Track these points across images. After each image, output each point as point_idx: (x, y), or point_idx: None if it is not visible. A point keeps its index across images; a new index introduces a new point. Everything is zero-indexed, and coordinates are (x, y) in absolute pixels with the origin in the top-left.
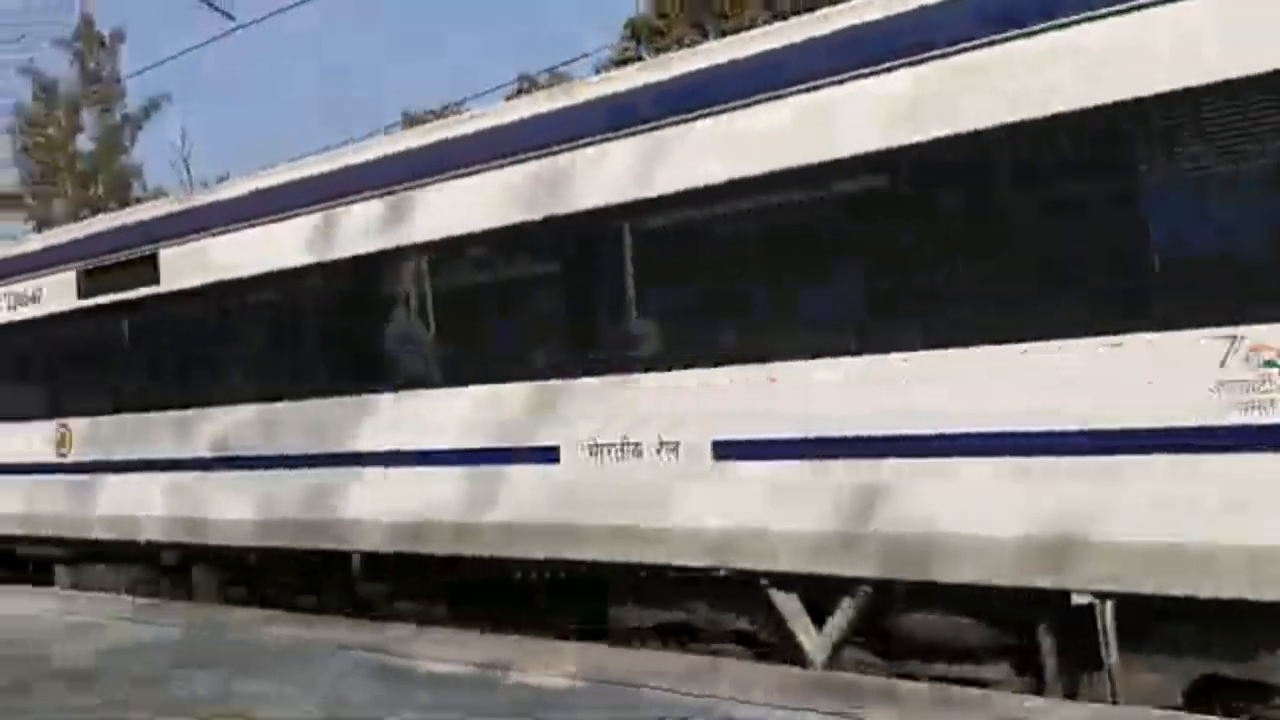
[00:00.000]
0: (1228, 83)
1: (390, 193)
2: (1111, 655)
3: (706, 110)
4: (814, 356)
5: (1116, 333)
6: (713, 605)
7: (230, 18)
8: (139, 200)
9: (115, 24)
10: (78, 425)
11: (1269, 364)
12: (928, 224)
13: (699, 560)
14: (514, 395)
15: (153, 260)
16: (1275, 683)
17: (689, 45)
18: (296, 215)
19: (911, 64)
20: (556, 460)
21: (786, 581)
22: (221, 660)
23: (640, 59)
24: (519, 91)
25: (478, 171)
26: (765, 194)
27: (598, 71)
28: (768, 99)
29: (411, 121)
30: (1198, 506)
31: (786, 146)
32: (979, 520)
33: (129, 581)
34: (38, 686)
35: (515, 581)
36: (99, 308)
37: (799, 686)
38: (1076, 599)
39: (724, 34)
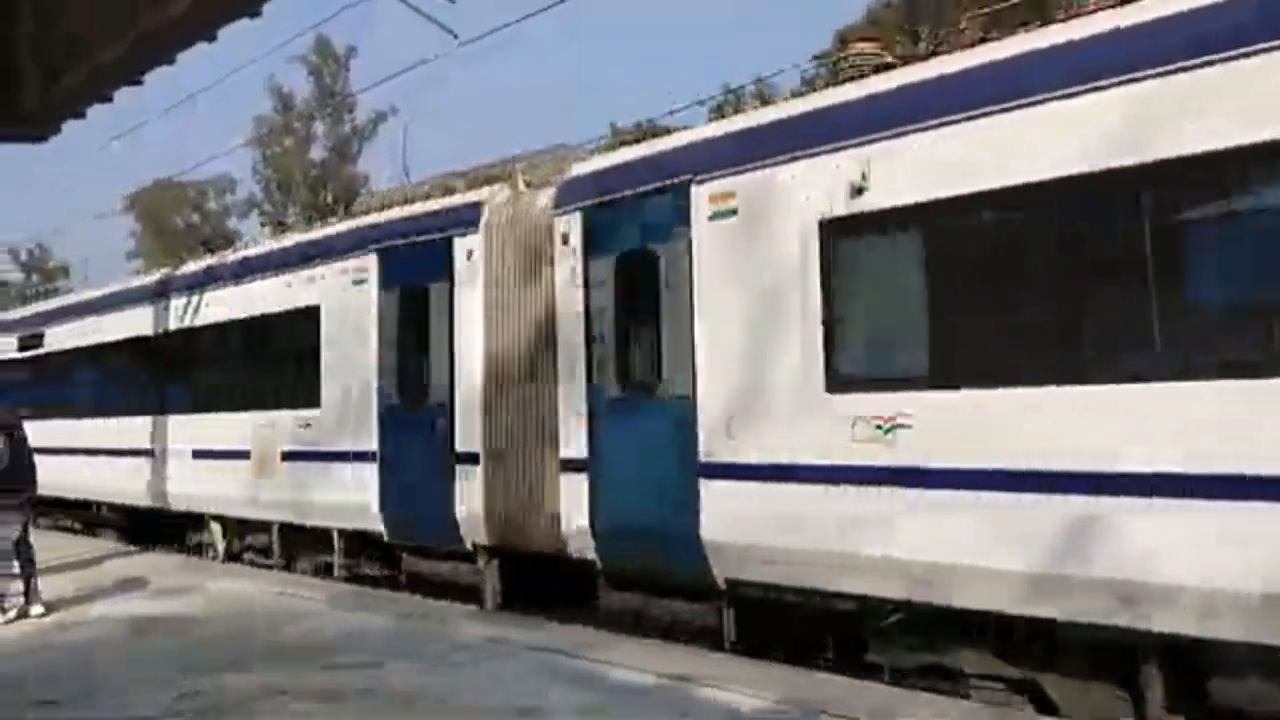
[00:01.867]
0: None
1: None
2: None
3: None
4: None
5: None
6: None
7: (454, 35)
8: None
9: (348, 41)
10: None
11: None
12: None
13: None
14: None
15: None
16: None
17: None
18: None
19: None
20: None
21: None
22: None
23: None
24: (721, 105)
25: None
26: None
27: (804, 84)
28: None
29: (617, 135)
30: None
31: None
32: None
33: None
34: (256, 664)
35: None
36: None
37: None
38: None
39: (937, 44)
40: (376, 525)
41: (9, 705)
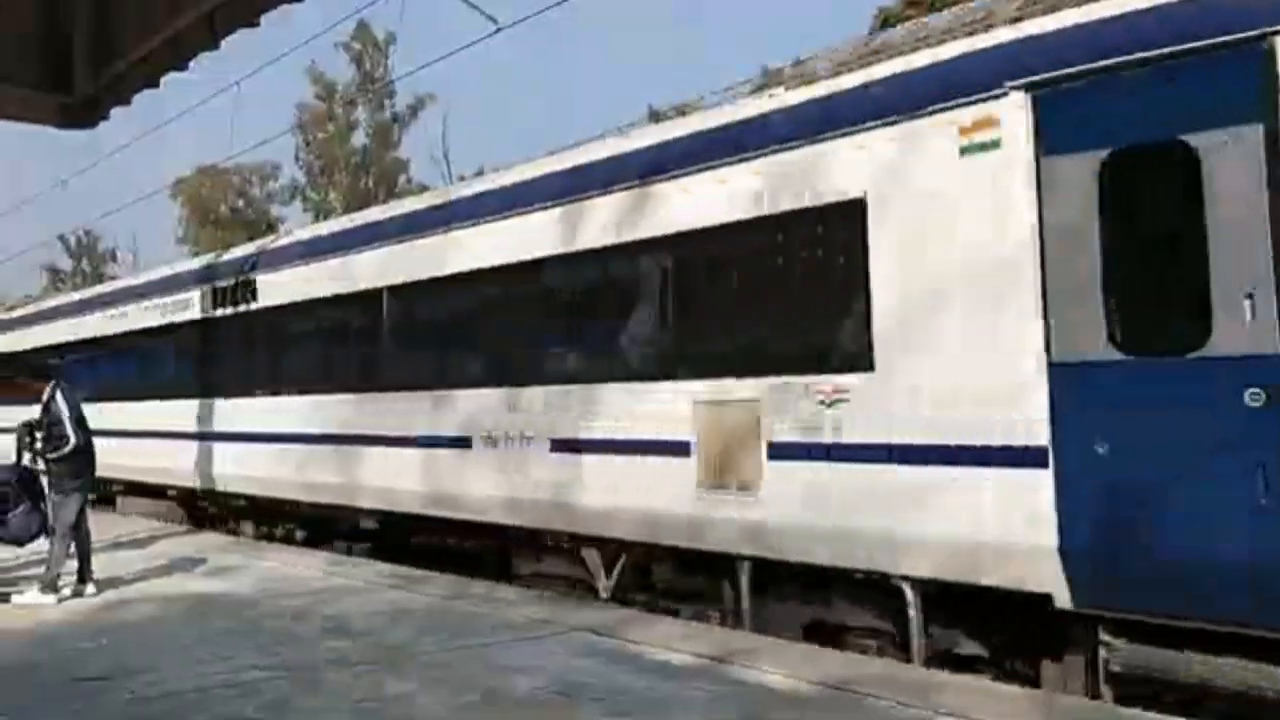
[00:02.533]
0: None
1: None
2: None
3: None
4: None
5: None
6: None
7: (493, 20)
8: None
9: (388, 27)
10: None
11: None
12: None
13: None
14: None
15: None
16: None
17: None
18: None
19: None
20: None
21: None
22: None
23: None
24: (763, 85)
25: None
26: None
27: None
28: None
29: (656, 117)
30: None
31: None
32: None
33: None
34: (311, 638)
35: None
36: None
37: (1028, 709)
38: None
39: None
40: (1044, 576)
41: (65, 683)
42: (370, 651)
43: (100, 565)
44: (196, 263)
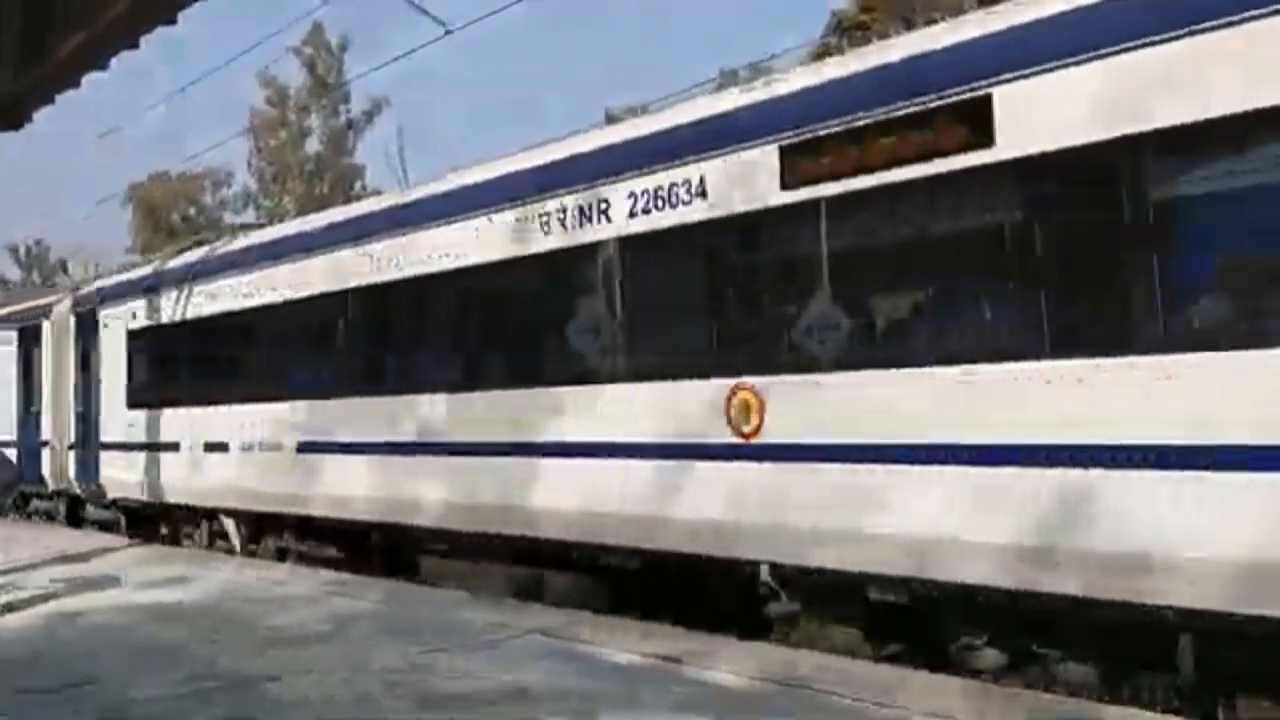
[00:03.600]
0: None
1: None
2: None
3: None
4: None
5: None
6: None
7: (443, 24)
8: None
9: (342, 30)
10: None
11: None
12: None
13: None
14: None
15: None
16: None
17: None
18: None
19: None
20: None
21: None
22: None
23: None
24: (720, 88)
25: None
26: None
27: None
28: None
29: (610, 120)
30: None
31: None
32: None
33: None
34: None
35: None
36: None
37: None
38: None
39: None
40: None
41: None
42: (322, 661)
43: (33, 581)
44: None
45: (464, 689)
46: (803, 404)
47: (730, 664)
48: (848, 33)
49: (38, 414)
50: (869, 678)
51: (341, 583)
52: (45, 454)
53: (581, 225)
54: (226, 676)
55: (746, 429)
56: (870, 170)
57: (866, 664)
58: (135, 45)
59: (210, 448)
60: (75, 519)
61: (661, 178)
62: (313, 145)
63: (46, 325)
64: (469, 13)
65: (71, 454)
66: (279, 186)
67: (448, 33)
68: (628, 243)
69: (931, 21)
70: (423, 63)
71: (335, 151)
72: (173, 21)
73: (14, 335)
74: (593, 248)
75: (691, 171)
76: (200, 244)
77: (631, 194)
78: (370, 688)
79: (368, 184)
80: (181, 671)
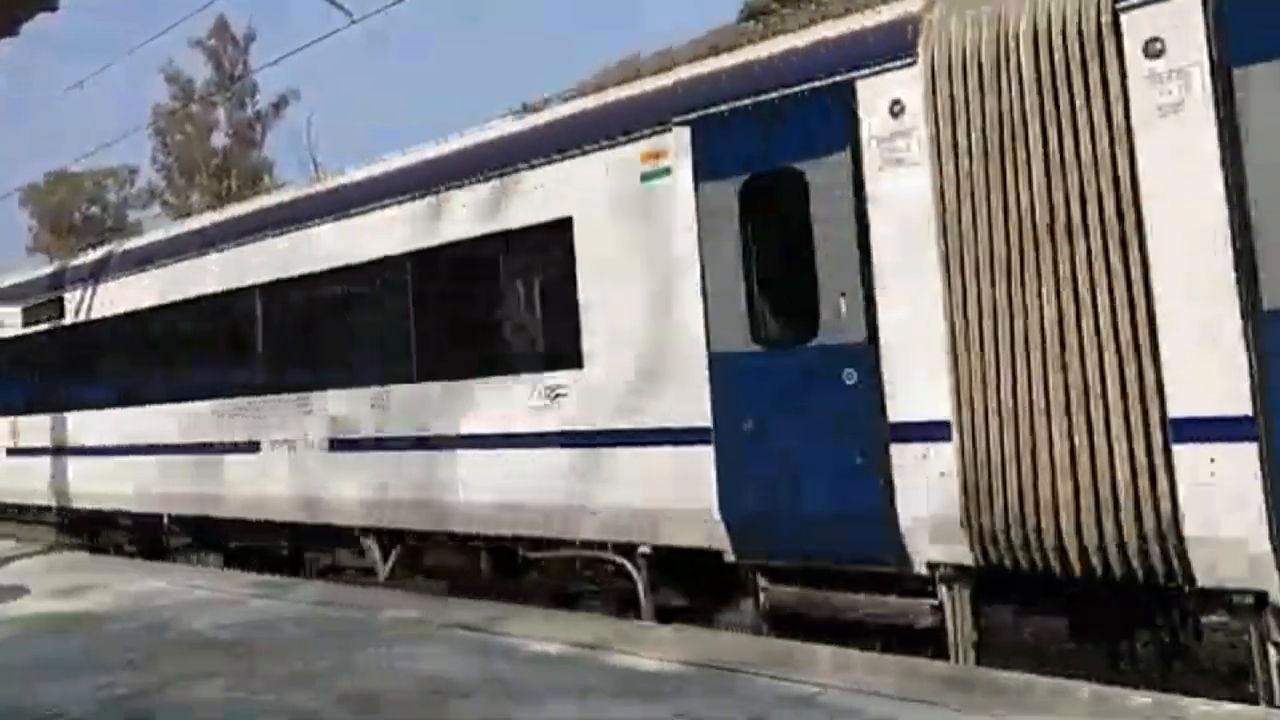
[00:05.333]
0: None
1: None
2: None
3: None
4: None
5: None
6: None
7: (348, 13)
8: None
9: (247, 24)
10: None
11: None
12: None
13: None
14: None
15: None
16: None
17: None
18: None
19: None
20: None
21: None
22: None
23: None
24: (621, 80)
25: None
26: None
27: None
28: None
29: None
30: None
31: None
32: None
33: None
34: (191, 654)
35: None
36: None
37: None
38: None
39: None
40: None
41: None
42: (241, 662)
43: None
44: None
45: (382, 686)
46: None
47: (653, 649)
48: (758, 18)
49: None
50: (784, 655)
51: (264, 584)
52: None
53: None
54: (136, 682)
55: None
56: None
57: (784, 642)
58: (15, 33)
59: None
60: None
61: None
62: (220, 139)
63: None
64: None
65: None
66: (186, 182)
67: (353, 22)
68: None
69: (849, 11)
70: (337, 53)
71: (243, 145)
72: (52, 7)
73: None
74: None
75: None
76: (102, 242)
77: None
78: (289, 688)
79: (278, 177)
80: (87, 681)
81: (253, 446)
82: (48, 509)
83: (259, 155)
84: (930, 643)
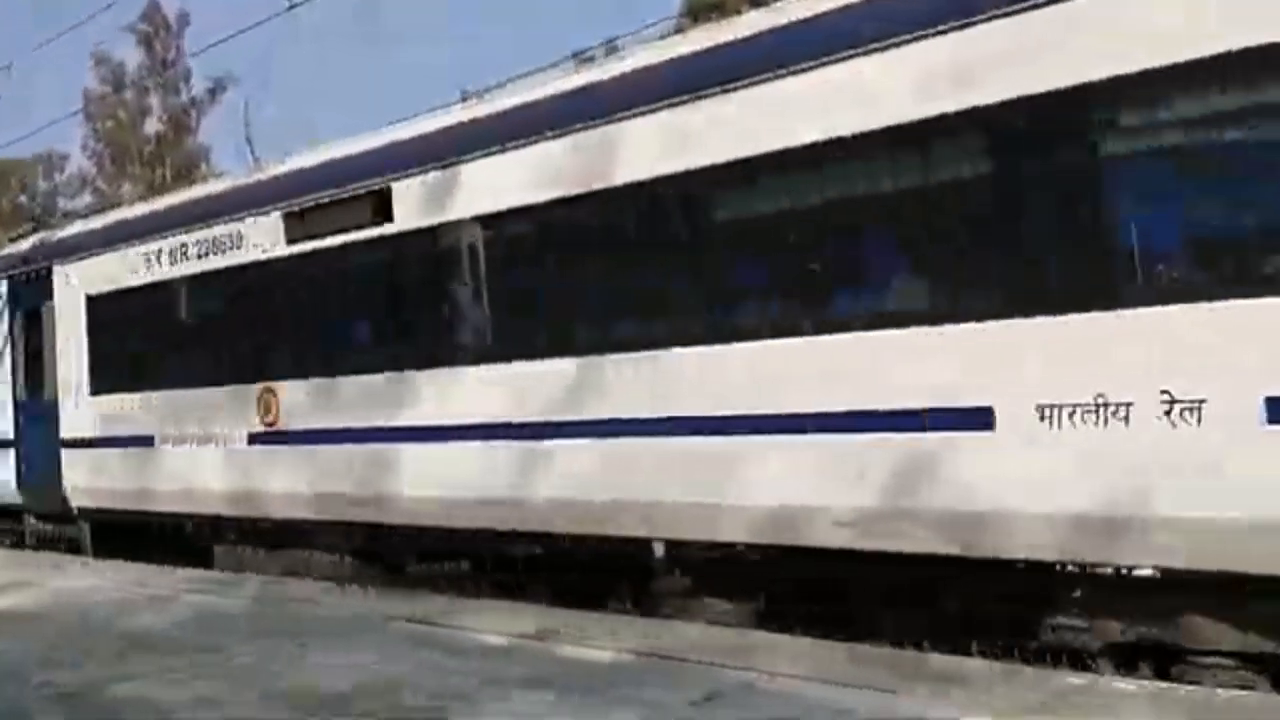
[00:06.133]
0: None
1: None
2: None
3: None
4: None
5: None
6: None
7: None
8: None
9: (180, 8)
10: None
11: None
12: None
13: None
14: None
15: None
16: None
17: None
18: None
19: None
20: None
21: None
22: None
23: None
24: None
25: None
26: None
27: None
28: None
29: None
30: None
31: None
32: None
33: None
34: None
35: None
36: None
37: (838, 660)
38: None
39: None
40: None
41: None
42: (181, 660)
43: None
44: None
45: (325, 682)
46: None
47: (601, 639)
48: (702, 12)
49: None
50: (730, 644)
51: (205, 581)
52: None
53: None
54: (74, 682)
55: None
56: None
57: (730, 631)
58: None
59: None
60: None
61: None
62: (153, 126)
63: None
64: None
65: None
66: (117, 170)
67: (291, 7)
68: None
69: None
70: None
71: (177, 132)
72: None
73: None
74: None
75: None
76: (37, 229)
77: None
78: (231, 686)
79: (214, 165)
80: (20, 681)
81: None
82: (336, 529)
83: (194, 142)
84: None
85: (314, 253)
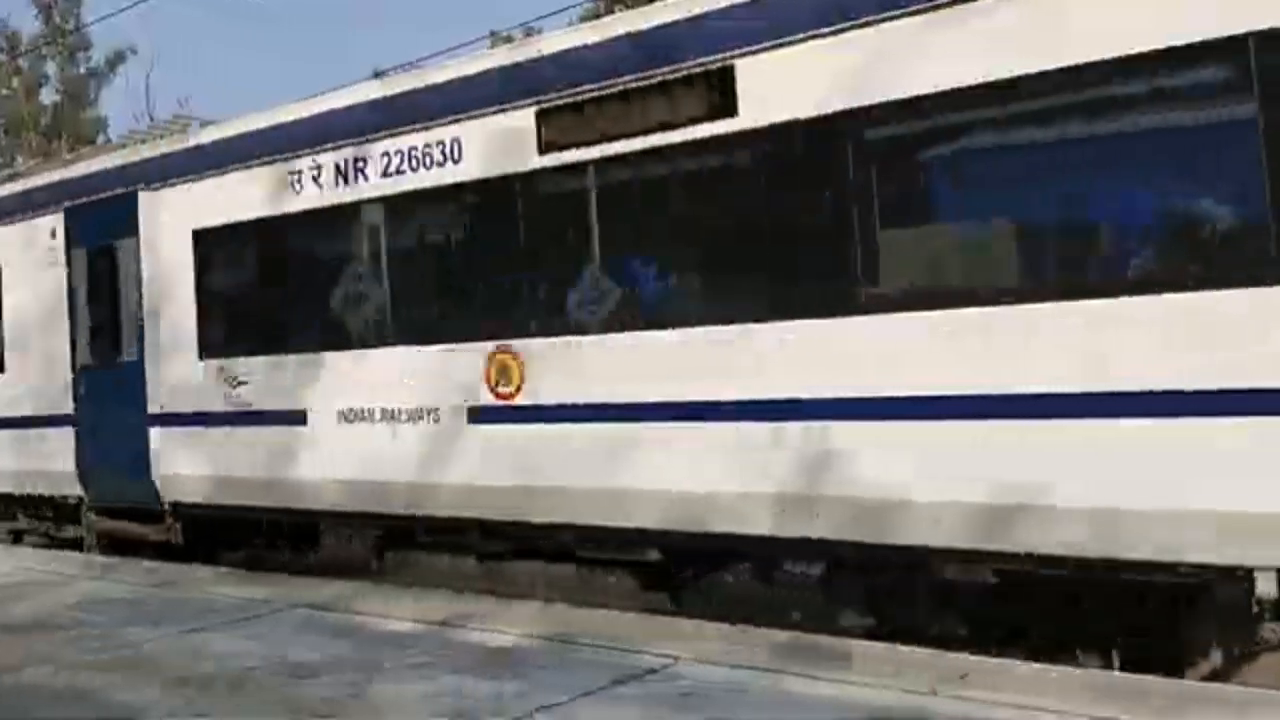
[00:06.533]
0: None
1: None
2: None
3: None
4: None
5: None
6: None
7: None
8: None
9: None
10: None
11: None
12: None
13: None
14: None
15: None
16: None
17: None
18: None
19: None
20: None
21: None
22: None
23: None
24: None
25: None
26: None
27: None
28: None
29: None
30: None
31: None
32: None
33: None
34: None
35: None
36: None
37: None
38: None
39: None
40: None
41: None
42: (68, 647)
43: None
44: None
45: (226, 668)
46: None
47: (508, 624)
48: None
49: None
50: (637, 628)
51: (103, 566)
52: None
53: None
54: None
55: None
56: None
57: (639, 616)
58: None
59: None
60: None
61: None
62: (50, 96)
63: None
64: None
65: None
66: (11, 139)
67: None
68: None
69: None
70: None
71: (75, 103)
72: None
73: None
74: None
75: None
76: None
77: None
78: (126, 672)
79: (111, 137)
80: None
81: None
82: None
83: (93, 113)
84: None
85: (592, 163)
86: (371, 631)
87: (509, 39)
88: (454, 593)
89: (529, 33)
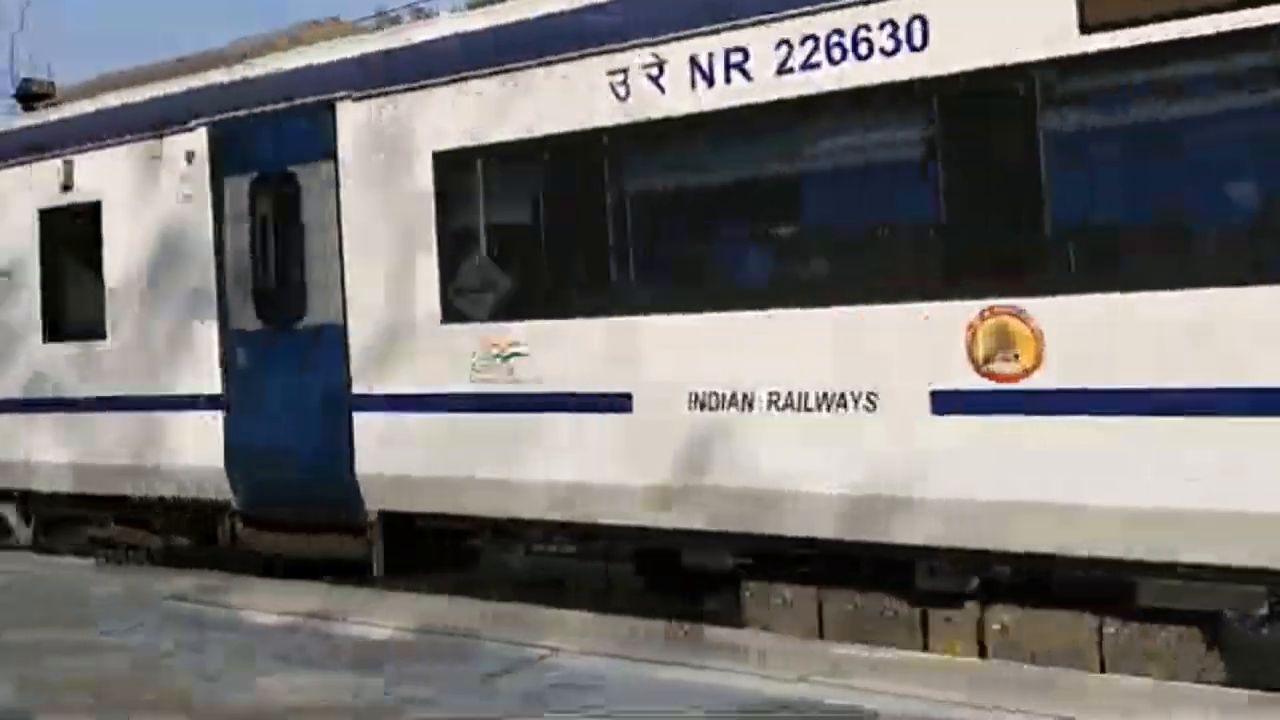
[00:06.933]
0: None
1: None
2: None
3: None
4: None
5: None
6: None
7: None
8: None
9: None
10: None
11: None
12: None
13: None
14: None
15: None
16: None
17: None
18: None
19: None
20: None
21: None
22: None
23: None
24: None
25: None
26: None
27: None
28: None
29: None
30: None
31: None
32: None
33: None
34: None
35: None
36: None
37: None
38: None
39: None
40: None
41: None
42: None
43: None
44: None
45: (86, 664)
46: None
47: (384, 617)
48: None
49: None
50: (524, 620)
51: None
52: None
53: None
54: None
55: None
56: None
57: (527, 608)
58: None
59: None
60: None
61: None
62: None
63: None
64: None
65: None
66: None
67: None
68: None
69: None
70: None
71: None
72: None
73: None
74: None
75: None
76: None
77: None
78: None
79: None
80: None
81: None
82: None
83: None
84: None
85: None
86: (245, 624)
87: None
88: (328, 585)
89: None
